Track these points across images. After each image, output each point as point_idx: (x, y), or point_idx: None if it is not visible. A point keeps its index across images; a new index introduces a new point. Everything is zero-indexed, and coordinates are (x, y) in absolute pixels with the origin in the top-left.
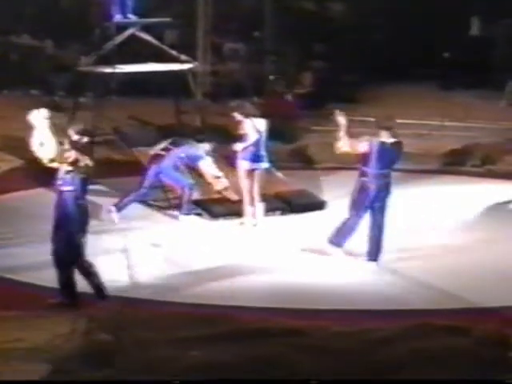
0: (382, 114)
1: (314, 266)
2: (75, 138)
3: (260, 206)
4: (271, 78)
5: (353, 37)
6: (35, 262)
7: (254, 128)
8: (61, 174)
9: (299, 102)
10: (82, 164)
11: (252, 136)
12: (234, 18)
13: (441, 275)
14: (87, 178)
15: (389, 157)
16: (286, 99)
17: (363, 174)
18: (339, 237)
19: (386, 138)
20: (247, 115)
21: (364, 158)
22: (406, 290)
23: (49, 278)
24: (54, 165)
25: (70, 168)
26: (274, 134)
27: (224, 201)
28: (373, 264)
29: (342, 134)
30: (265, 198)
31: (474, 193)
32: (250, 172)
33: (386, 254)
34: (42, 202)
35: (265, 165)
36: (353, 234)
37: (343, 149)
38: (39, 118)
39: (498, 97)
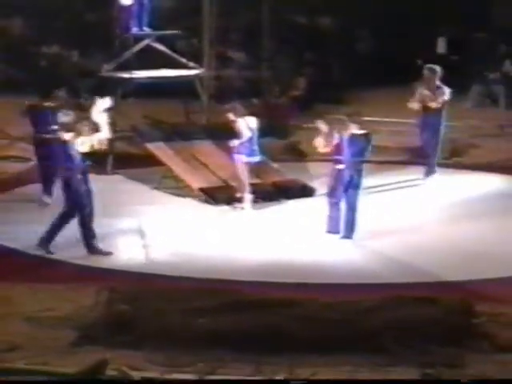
0: (362, 112)
1: (305, 245)
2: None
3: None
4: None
5: (340, 46)
6: (61, 240)
7: (246, 126)
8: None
9: (292, 104)
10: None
11: (246, 133)
12: (235, 29)
13: (411, 252)
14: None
15: (359, 146)
16: (281, 101)
17: (337, 163)
18: (333, 225)
19: (356, 129)
20: (240, 115)
21: (337, 149)
22: (382, 265)
23: (73, 254)
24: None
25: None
26: (270, 131)
27: (226, 188)
28: (348, 242)
29: (320, 138)
30: (263, 186)
31: (443, 181)
32: (246, 164)
33: (364, 234)
34: None
35: (257, 158)
36: (340, 217)
37: (320, 149)
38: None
39: (463, 99)
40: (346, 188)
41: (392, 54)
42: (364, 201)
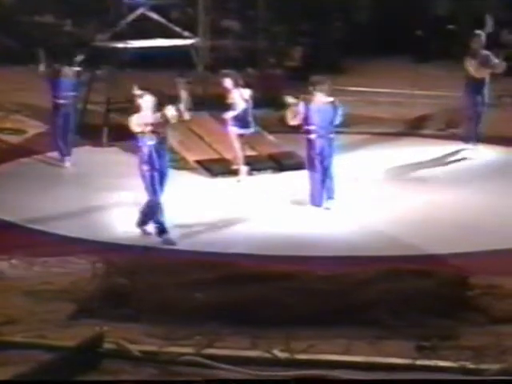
0: (360, 83)
1: (301, 218)
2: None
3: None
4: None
5: (338, 15)
6: (58, 213)
7: (241, 97)
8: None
9: (288, 74)
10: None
11: (240, 105)
12: None
13: (405, 225)
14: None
15: (327, 114)
16: (276, 72)
17: (308, 132)
18: (315, 198)
19: (322, 98)
20: (236, 83)
21: (306, 119)
22: (377, 239)
23: (69, 228)
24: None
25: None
26: (265, 102)
27: (222, 160)
28: (330, 202)
29: (290, 111)
30: (258, 158)
31: (439, 153)
32: (240, 136)
33: (361, 208)
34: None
35: (251, 130)
36: (323, 190)
37: (291, 122)
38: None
39: (459, 68)
40: (320, 157)
41: (392, 24)
42: (354, 174)
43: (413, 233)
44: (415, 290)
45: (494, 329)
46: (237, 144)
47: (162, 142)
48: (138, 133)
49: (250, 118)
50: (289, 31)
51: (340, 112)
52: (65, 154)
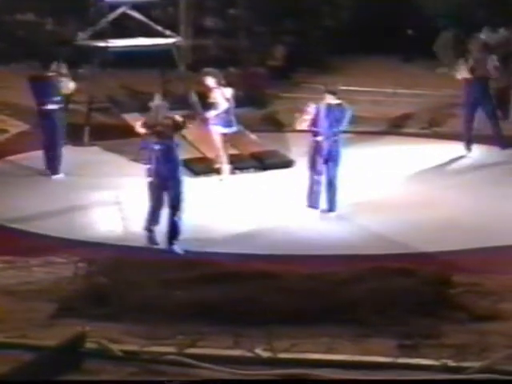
0: (342, 82)
1: (284, 217)
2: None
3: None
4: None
5: (320, 13)
6: (39, 213)
7: (223, 96)
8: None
9: (270, 73)
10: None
11: (222, 104)
12: None
13: (388, 224)
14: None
15: (335, 116)
16: (259, 70)
17: (315, 135)
18: (312, 199)
19: (331, 100)
20: (218, 83)
21: (314, 121)
22: (359, 238)
23: (51, 227)
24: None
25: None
26: (247, 100)
27: (205, 159)
28: (332, 214)
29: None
30: (241, 157)
31: (422, 151)
32: (222, 135)
33: (345, 207)
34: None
35: (234, 129)
36: (320, 191)
37: (299, 127)
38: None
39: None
40: (326, 161)
41: (375, 23)
42: (343, 173)
43: (396, 231)
44: (398, 289)
45: (475, 326)
46: (219, 143)
47: (169, 147)
48: (144, 135)
49: (233, 117)
50: (271, 30)
51: (349, 114)
52: (55, 173)
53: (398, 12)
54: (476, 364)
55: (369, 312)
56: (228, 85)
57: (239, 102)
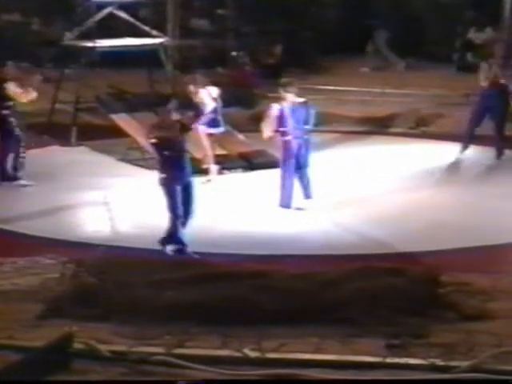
0: (330, 82)
1: (272, 217)
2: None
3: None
4: (233, 53)
5: (308, 16)
6: (27, 213)
7: (209, 96)
8: None
9: (260, 72)
10: None
11: (208, 104)
12: None
13: (376, 224)
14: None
15: (301, 115)
16: (247, 70)
17: (283, 135)
18: (285, 199)
19: (294, 99)
20: (200, 86)
21: (280, 121)
22: (348, 237)
23: (39, 227)
24: None
25: None
26: (235, 100)
27: (192, 160)
28: (308, 202)
29: (263, 124)
30: (229, 157)
31: (410, 151)
32: (209, 135)
33: (332, 207)
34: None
35: (221, 129)
36: (293, 191)
37: (266, 134)
38: None
39: (429, 67)
40: (297, 159)
41: (360, 24)
42: (331, 173)
43: (385, 231)
44: (387, 288)
45: (464, 326)
46: (206, 143)
47: (181, 152)
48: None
49: (220, 117)
50: (258, 30)
51: (313, 112)
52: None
53: (382, 12)
54: (464, 363)
55: (357, 312)
56: (215, 85)
57: (227, 102)
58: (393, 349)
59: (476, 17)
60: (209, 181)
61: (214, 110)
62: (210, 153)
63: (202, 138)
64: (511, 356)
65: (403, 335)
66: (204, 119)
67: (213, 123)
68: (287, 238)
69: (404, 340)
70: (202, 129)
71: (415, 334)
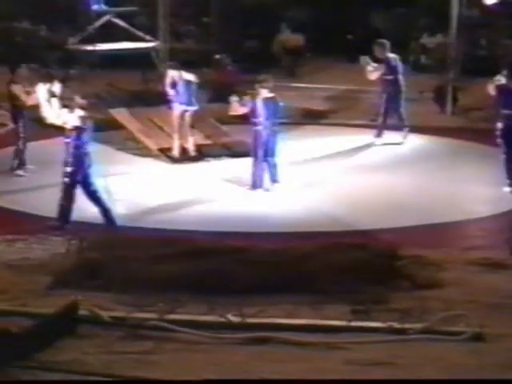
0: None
1: (251, 198)
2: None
3: (191, 140)
4: (217, 56)
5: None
6: (37, 197)
7: (183, 79)
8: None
9: (240, 72)
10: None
11: (182, 85)
12: (188, 5)
13: (343, 204)
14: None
15: (271, 108)
16: (229, 70)
17: (255, 125)
18: (256, 183)
19: (266, 94)
20: (180, 74)
21: (253, 113)
22: (318, 217)
23: (49, 209)
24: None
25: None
26: (219, 97)
27: (184, 149)
28: (276, 185)
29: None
30: (213, 146)
31: (370, 140)
32: (183, 113)
33: (302, 190)
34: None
35: (194, 107)
36: (263, 174)
37: (233, 113)
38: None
39: None
40: (265, 147)
41: (329, 29)
42: (301, 162)
43: (349, 211)
44: (352, 262)
45: (417, 293)
46: (177, 120)
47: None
48: None
49: (193, 98)
50: (238, 35)
51: (280, 106)
52: None
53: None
54: (417, 325)
55: (326, 282)
56: (203, 83)
57: (212, 98)
58: (357, 314)
59: (428, 23)
60: (172, 157)
61: (189, 90)
62: (177, 129)
63: (174, 115)
64: (458, 319)
65: (366, 302)
66: (178, 97)
67: (187, 102)
68: (264, 217)
69: (366, 306)
70: (176, 106)
71: (376, 300)
